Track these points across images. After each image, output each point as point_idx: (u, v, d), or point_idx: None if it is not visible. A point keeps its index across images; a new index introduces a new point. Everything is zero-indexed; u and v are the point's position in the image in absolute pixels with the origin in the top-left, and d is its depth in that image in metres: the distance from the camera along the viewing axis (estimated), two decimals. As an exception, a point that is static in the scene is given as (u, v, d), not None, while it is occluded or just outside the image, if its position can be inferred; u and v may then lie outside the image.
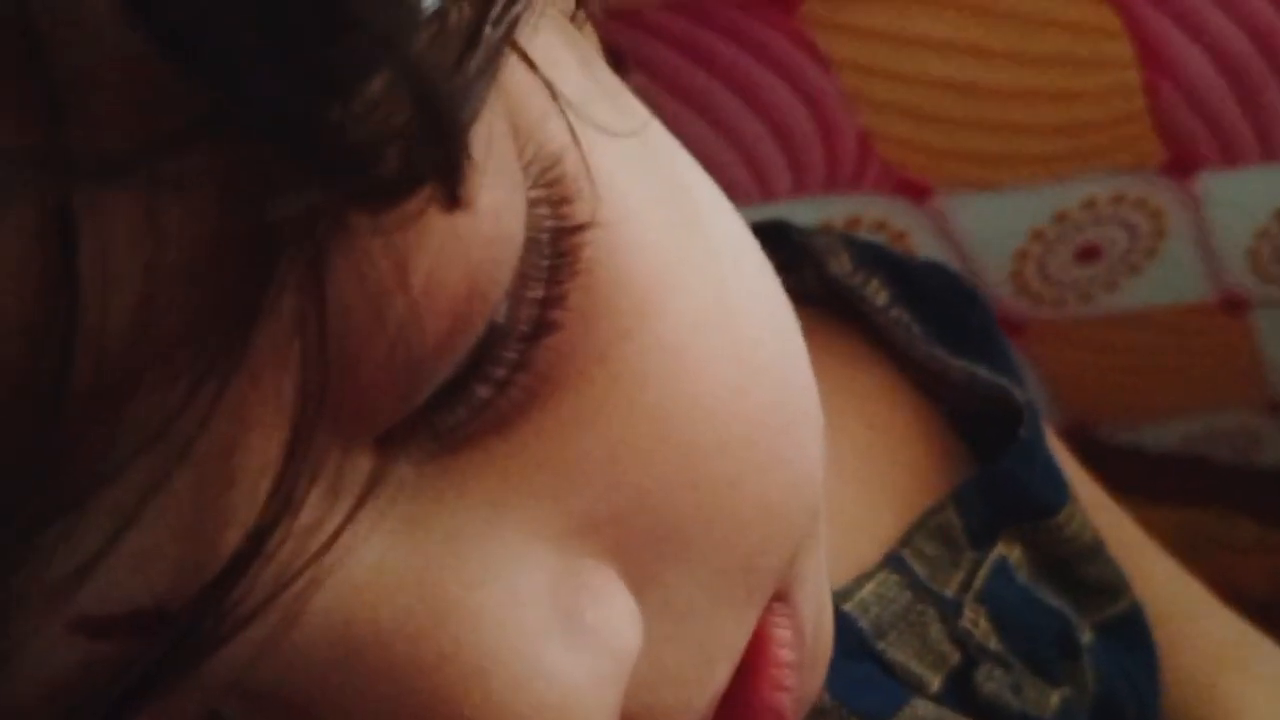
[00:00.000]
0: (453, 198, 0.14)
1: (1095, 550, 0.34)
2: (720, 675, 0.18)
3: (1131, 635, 0.35)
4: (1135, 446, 0.71)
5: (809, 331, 0.36)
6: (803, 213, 0.58)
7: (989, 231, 0.60)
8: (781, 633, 0.19)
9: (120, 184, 0.12)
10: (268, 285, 0.13)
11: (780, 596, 0.19)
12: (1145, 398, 0.69)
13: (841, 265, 0.37)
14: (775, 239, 0.37)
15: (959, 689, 0.29)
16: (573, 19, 0.21)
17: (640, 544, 0.17)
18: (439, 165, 0.13)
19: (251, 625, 0.14)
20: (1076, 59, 0.54)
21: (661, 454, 0.17)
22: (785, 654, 0.19)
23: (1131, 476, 0.68)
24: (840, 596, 0.29)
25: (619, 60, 0.27)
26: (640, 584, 0.17)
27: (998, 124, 0.56)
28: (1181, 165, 0.57)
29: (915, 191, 0.58)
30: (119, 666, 0.14)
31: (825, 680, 0.27)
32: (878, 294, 0.36)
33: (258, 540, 0.14)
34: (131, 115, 0.12)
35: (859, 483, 0.32)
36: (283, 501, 0.14)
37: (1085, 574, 0.34)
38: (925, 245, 0.60)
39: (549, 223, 0.16)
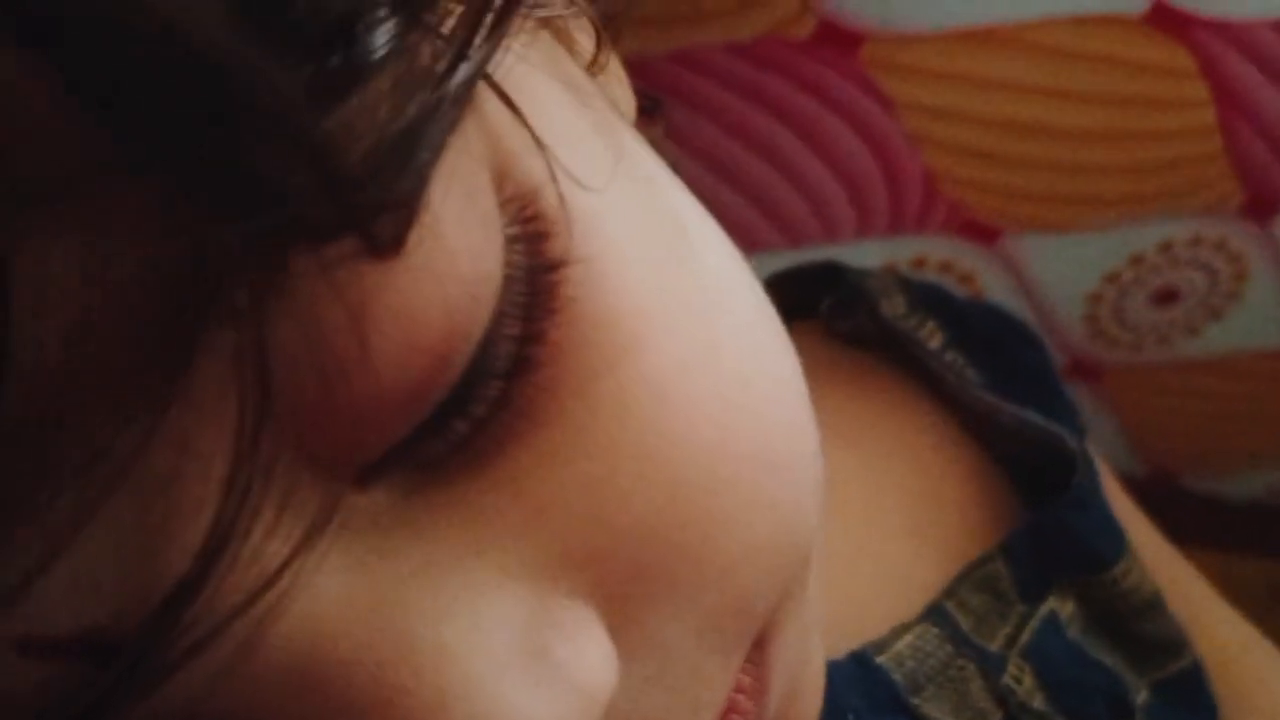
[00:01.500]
0: (392, 242, 0.14)
1: (1154, 605, 0.33)
2: (706, 719, 0.18)
3: (1191, 695, 0.33)
4: (1220, 496, 0.69)
5: (861, 374, 0.35)
6: (868, 254, 0.58)
7: (1060, 274, 0.59)
8: (742, 679, 0.19)
9: (56, 215, 0.12)
10: (203, 321, 0.13)
11: (755, 647, 0.19)
12: (1229, 445, 0.67)
13: (895, 307, 0.36)
14: (829, 280, 0.37)
15: (999, 748, 0.28)
16: (592, 65, 0.22)
17: (621, 583, 0.17)
18: (357, 217, 0.13)
19: (205, 652, 0.14)
20: (1150, 99, 0.53)
21: (643, 492, 0.17)
22: (741, 700, 0.19)
23: (1216, 527, 0.66)
24: (876, 648, 0.28)
25: (656, 106, 0.27)
26: (621, 623, 0.17)
27: (1069, 165, 0.55)
28: (1261, 206, 0.56)
29: (983, 233, 0.58)
30: (70, 689, 0.14)
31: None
32: (932, 337, 0.36)
33: (203, 567, 0.14)
34: (66, 150, 0.12)
35: (904, 531, 0.32)
36: (225, 531, 0.14)
37: (1143, 630, 0.33)
38: (994, 287, 0.59)
39: (525, 260, 0.16)
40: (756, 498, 0.18)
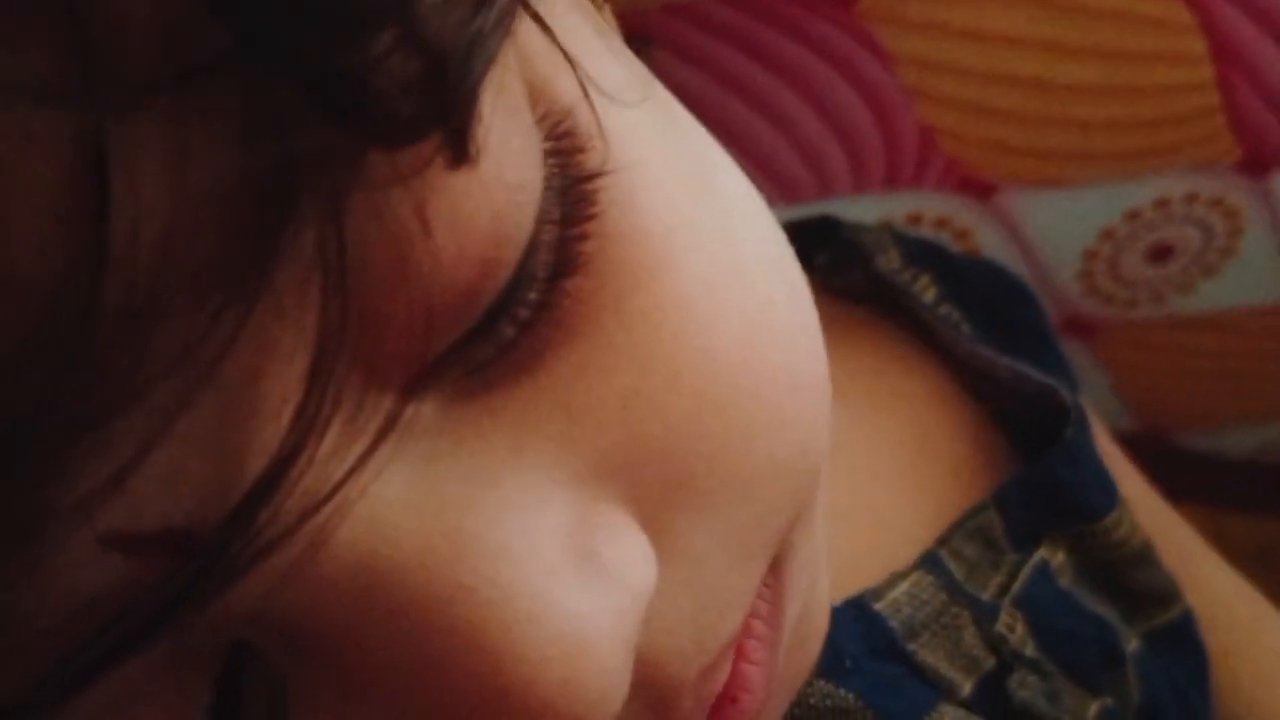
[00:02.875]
0: (461, 148, 0.14)
1: (1144, 556, 0.33)
2: (732, 624, 0.19)
3: (1181, 644, 0.34)
4: (1212, 453, 0.70)
5: (855, 329, 0.35)
6: (863, 209, 0.58)
7: (1056, 230, 0.59)
8: (758, 603, 0.19)
9: (148, 111, 0.13)
10: (288, 220, 0.14)
11: (772, 569, 0.20)
12: (1221, 402, 0.67)
13: (890, 261, 0.36)
14: (824, 235, 0.37)
15: (991, 695, 0.29)
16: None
17: (654, 490, 0.18)
18: (447, 114, 0.14)
19: (277, 551, 0.15)
20: (1148, 54, 0.53)
21: (673, 404, 0.18)
22: (757, 625, 0.19)
23: (1208, 483, 0.67)
24: (873, 595, 0.28)
25: (644, 44, 0.27)
26: (655, 529, 0.18)
27: (1066, 120, 0.55)
28: (1257, 163, 0.56)
29: (979, 189, 0.58)
30: (149, 587, 0.14)
31: (852, 680, 0.27)
32: (926, 291, 0.36)
33: (280, 466, 0.14)
34: (159, 47, 0.13)
35: (899, 481, 0.32)
36: (303, 431, 0.14)
37: (1133, 580, 0.33)
38: (989, 243, 0.59)
39: (562, 173, 0.17)
40: (779, 415, 0.19)
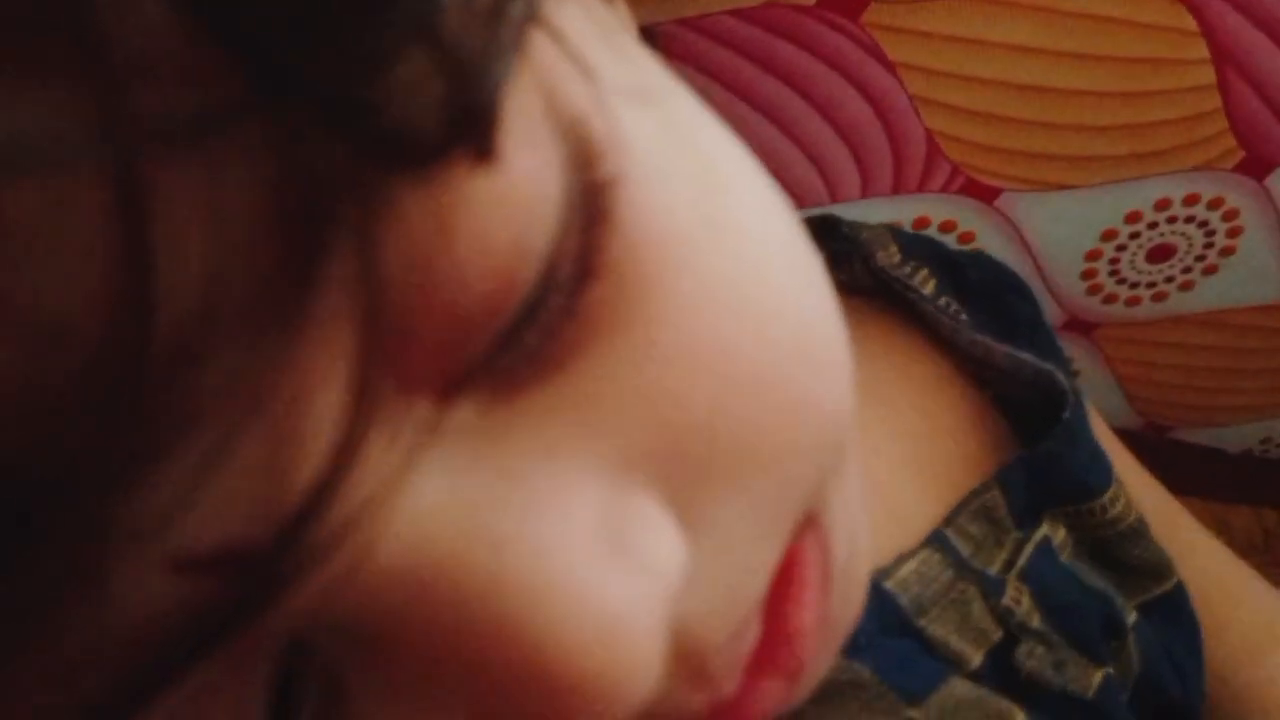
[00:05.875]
0: (486, 156, 0.15)
1: (1139, 532, 0.35)
2: (760, 584, 0.20)
3: (1175, 615, 0.35)
4: (1213, 447, 0.70)
5: (858, 321, 0.36)
6: (871, 214, 0.59)
7: (1059, 232, 0.60)
8: (810, 553, 0.20)
9: (180, 154, 0.13)
10: (321, 250, 0.14)
11: (810, 523, 0.21)
12: (1222, 398, 0.68)
13: (890, 256, 0.37)
14: (825, 233, 0.38)
15: (1000, 666, 0.30)
16: None
17: (681, 474, 0.18)
18: (470, 131, 0.15)
19: (328, 561, 0.16)
20: (1150, 59, 0.54)
21: (696, 394, 0.18)
22: (810, 573, 0.20)
23: (1209, 477, 0.68)
24: (882, 574, 0.30)
25: (650, 41, 0.28)
26: (684, 507, 0.19)
27: (1069, 125, 0.56)
28: (1257, 164, 0.57)
29: (984, 193, 0.59)
30: (208, 604, 0.15)
31: (866, 655, 0.28)
32: (926, 283, 0.37)
33: (327, 481, 0.15)
34: (190, 89, 0.13)
35: (904, 466, 0.33)
36: (346, 446, 0.15)
37: (1129, 555, 0.34)
38: (994, 245, 0.60)
39: (578, 181, 0.17)
40: (798, 394, 0.19)
